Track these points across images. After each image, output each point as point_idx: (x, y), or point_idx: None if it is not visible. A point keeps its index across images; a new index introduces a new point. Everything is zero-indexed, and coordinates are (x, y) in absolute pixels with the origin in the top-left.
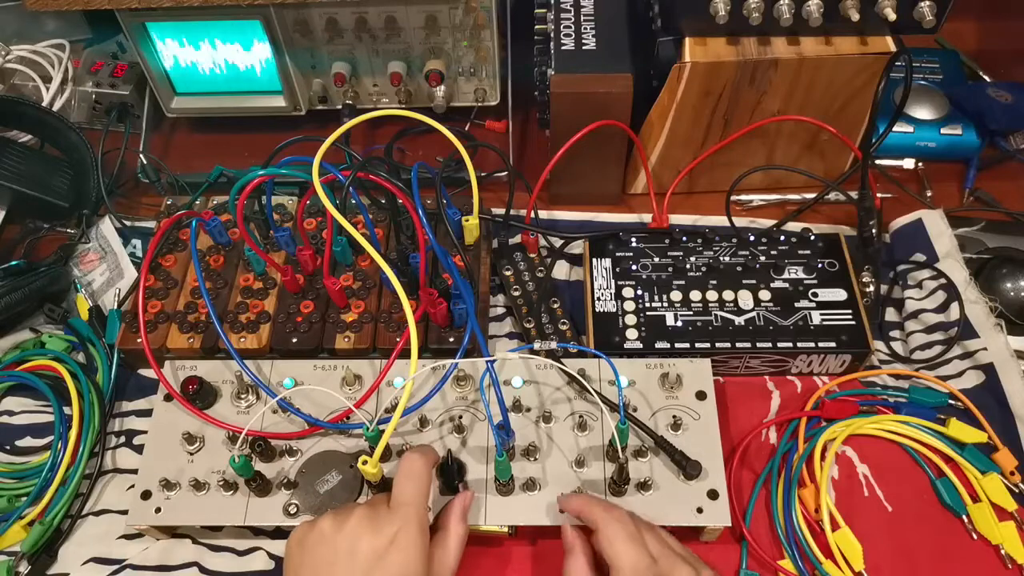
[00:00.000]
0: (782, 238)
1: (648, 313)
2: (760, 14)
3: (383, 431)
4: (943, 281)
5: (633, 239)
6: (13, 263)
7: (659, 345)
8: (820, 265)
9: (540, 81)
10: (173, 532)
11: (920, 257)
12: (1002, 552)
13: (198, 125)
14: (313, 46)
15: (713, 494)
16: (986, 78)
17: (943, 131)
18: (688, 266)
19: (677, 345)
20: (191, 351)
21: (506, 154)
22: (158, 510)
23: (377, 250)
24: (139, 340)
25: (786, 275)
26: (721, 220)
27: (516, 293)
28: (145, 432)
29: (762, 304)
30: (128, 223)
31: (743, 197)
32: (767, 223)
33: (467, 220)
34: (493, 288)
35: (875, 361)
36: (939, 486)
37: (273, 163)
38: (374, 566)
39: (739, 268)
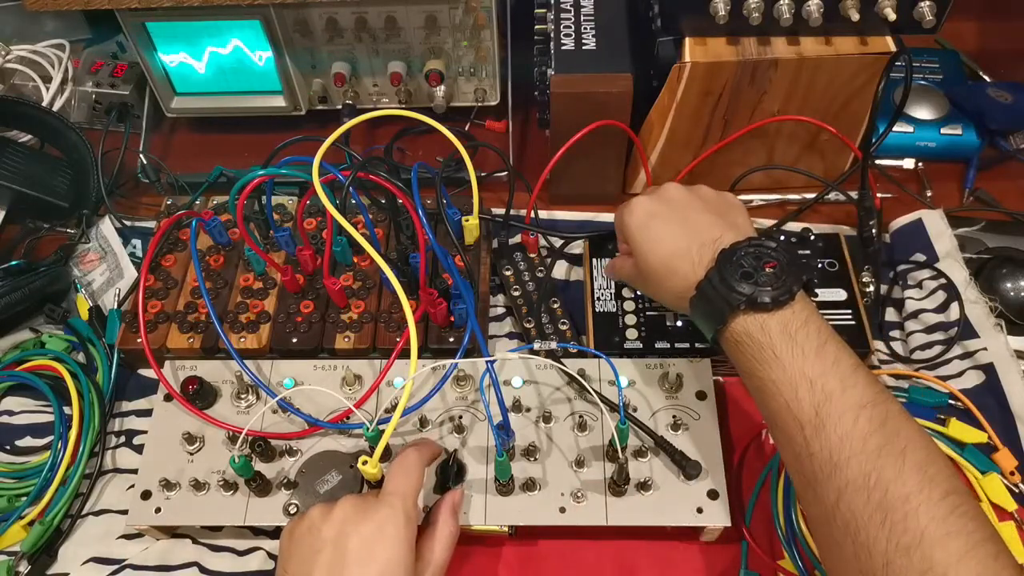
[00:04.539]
0: (782, 238)
1: (648, 313)
2: (760, 14)
3: (383, 431)
4: (943, 281)
5: None
6: (13, 263)
7: (659, 345)
8: (820, 265)
9: (540, 81)
10: (173, 532)
11: (920, 257)
12: None
13: (198, 125)
14: (313, 46)
15: (713, 494)
16: (986, 78)
17: (943, 131)
18: None
19: (677, 345)
20: (191, 351)
21: (506, 154)
22: (158, 510)
23: (377, 250)
24: (139, 340)
25: None
26: None
27: (516, 293)
28: (145, 432)
29: None
30: (128, 223)
31: (743, 197)
32: (767, 223)
33: (467, 220)
34: (493, 288)
35: (875, 361)
36: None
37: (273, 163)
38: (359, 554)
39: None
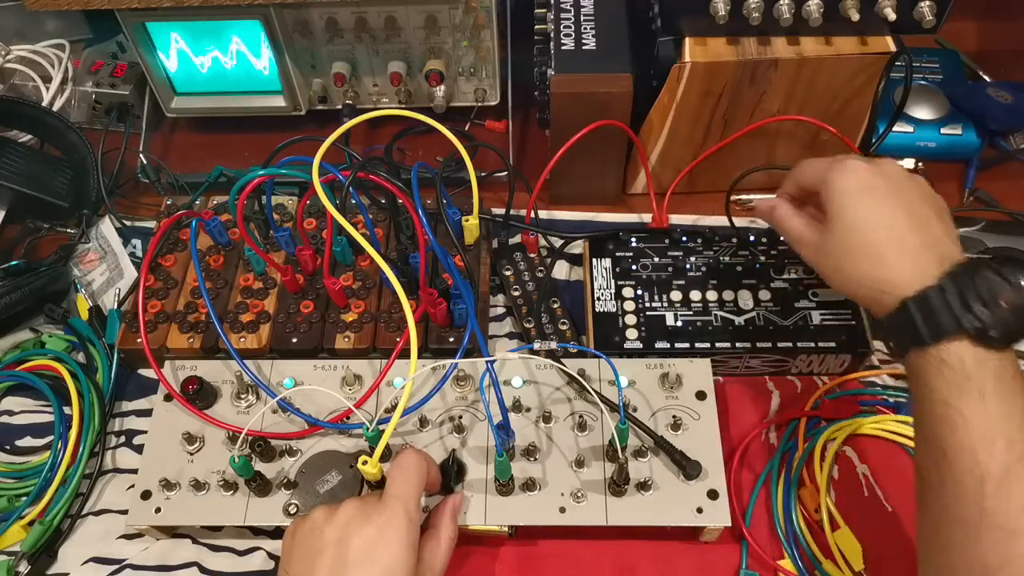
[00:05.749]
0: (782, 238)
1: (648, 313)
2: (760, 14)
3: (383, 431)
4: None
5: (633, 239)
6: (13, 263)
7: (659, 345)
8: None
9: (540, 81)
10: (173, 532)
11: None
12: None
13: (198, 125)
14: (313, 46)
15: (713, 494)
16: (986, 78)
17: (943, 131)
18: (688, 266)
19: (677, 345)
20: (191, 351)
21: (506, 154)
22: (158, 510)
23: (377, 250)
24: (139, 340)
25: (786, 275)
26: (721, 220)
27: (516, 293)
28: (145, 432)
29: (762, 304)
30: (128, 223)
31: (743, 197)
32: (767, 223)
33: (467, 220)
34: (493, 288)
35: (875, 361)
36: None
37: (273, 163)
38: (361, 556)
39: (739, 268)
